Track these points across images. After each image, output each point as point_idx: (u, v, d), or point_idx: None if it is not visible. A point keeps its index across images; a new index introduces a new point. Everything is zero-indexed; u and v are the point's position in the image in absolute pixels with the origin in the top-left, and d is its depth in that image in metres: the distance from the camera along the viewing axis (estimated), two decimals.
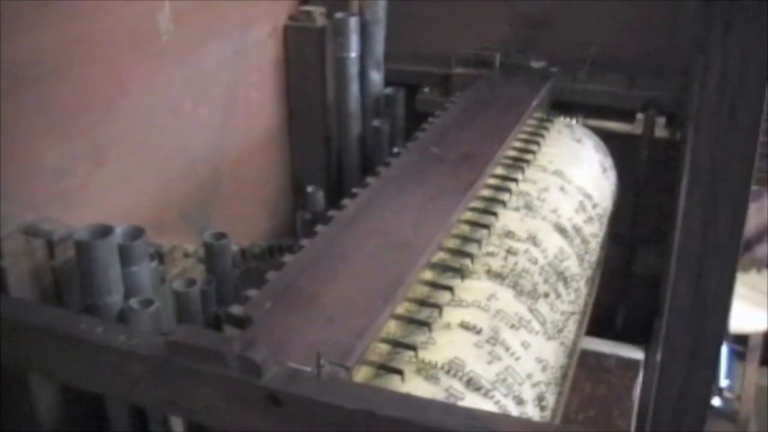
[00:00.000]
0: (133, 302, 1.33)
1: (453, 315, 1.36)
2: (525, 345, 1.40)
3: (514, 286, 1.49)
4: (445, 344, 1.29)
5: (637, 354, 2.54)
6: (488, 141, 1.86)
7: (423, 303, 1.36)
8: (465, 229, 1.59)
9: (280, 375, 1.05)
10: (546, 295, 1.54)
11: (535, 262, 1.59)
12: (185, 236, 1.93)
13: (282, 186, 2.41)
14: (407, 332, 1.30)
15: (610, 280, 2.20)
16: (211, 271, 1.63)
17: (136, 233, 1.38)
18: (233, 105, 2.13)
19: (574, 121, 2.29)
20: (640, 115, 2.34)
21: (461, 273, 1.45)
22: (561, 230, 1.73)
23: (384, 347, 1.26)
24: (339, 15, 2.19)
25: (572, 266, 1.71)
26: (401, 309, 1.32)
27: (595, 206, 1.94)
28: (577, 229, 1.79)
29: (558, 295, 1.59)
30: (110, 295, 1.32)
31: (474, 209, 1.65)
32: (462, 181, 1.66)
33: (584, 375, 2.37)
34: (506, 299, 1.45)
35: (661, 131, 2.36)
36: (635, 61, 2.37)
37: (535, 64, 2.38)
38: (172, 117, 1.93)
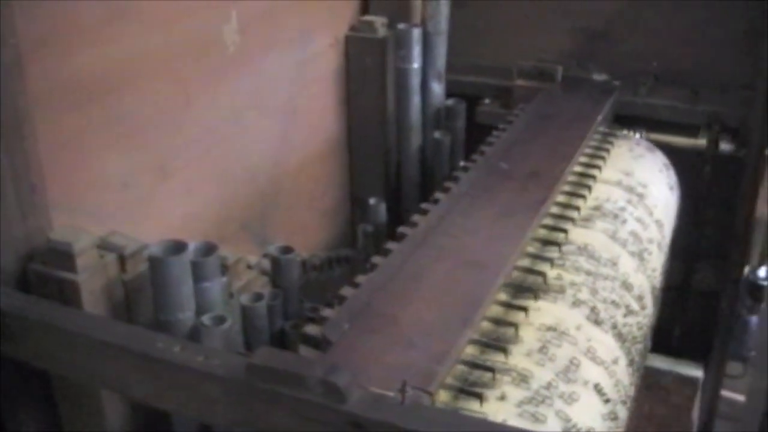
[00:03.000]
0: (206, 319, 1.32)
1: (529, 337, 1.33)
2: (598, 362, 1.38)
3: (566, 295, 1.47)
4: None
5: (695, 371, 2.50)
6: (555, 156, 1.83)
7: (498, 322, 1.34)
8: (537, 246, 1.56)
9: (364, 400, 1.03)
10: (619, 311, 1.51)
11: (607, 278, 1.56)
12: (245, 248, 1.92)
13: (340, 197, 2.39)
14: (484, 354, 1.28)
15: (668, 295, 2.16)
16: (277, 285, 1.62)
17: (209, 249, 1.37)
18: (294, 116, 2.12)
19: (637, 136, 2.26)
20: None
21: (534, 293, 1.43)
22: (631, 250, 1.70)
23: (461, 368, 1.24)
24: (401, 26, 2.17)
25: (642, 284, 1.68)
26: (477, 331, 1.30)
27: (661, 226, 1.90)
28: (647, 249, 1.76)
29: (630, 312, 1.56)
30: (182, 311, 1.31)
31: (545, 226, 1.62)
32: (532, 199, 1.63)
33: (642, 392, 2.33)
34: (579, 320, 1.43)
35: (724, 146, 2.32)
36: (698, 74, 2.33)
37: (597, 77, 2.35)
38: (235, 128, 1.92)
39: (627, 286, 1.61)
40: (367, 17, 2.26)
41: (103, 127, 1.56)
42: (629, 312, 1.56)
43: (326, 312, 1.30)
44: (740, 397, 3.19)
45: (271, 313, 1.55)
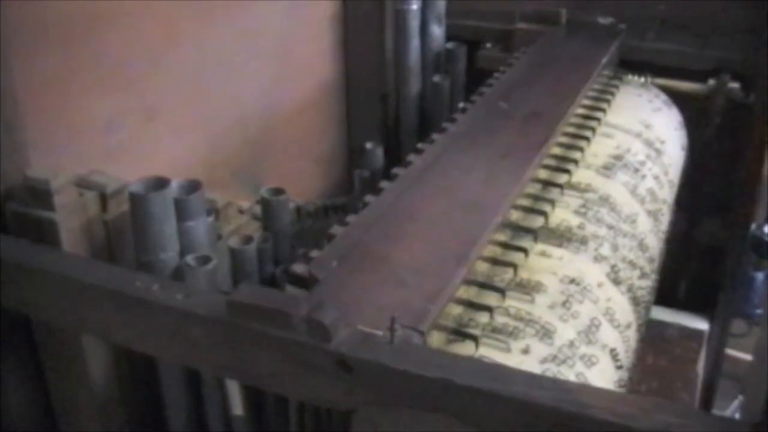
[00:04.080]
0: (190, 259, 1.26)
1: (553, 288, 1.29)
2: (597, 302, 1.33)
3: (588, 247, 1.41)
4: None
5: (700, 324, 2.45)
6: (558, 98, 1.77)
7: (496, 262, 1.28)
8: (537, 188, 1.50)
9: (351, 339, 0.97)
10: (635, 272, 1.45)
11: (626, 235, 1.51)
12: (236, 194, 1.86)
13: (337, 144, 2.33)
14: (480, 295, 1.22)
15: (672, 248, 2.10)
16: (267, 229, 1.56)
17: (193, 186, 1.31)
18: (287, 59, 2.05)
19: (643, 80, 2.19)
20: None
21: (535, 235, 1.37)
22: (648, 209, 1.64)
23: (456, 309, 1.18)
24: None
25: (654, 246, 1.63)
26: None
27: (666, 172, 1.84)
28: (660, 210, 1.70)
29: (643, 275, 1.51)
30: (165, 251, 1.26)
31: (546, 167, 1.56)
32: (532, 139, 1.57)
33: (646, 344, 2.27)
34: (601, 277, 1.38)
35: (732, 94, 2.25)
36: (707, 19, 2.25)
37: (602, 21, 2.27)
38: (224, 71, 1.85)
39: (643, 246, 1.55)
40: None
41: (84, 67, 1.49)
42: (643, 275, 1.51)
43: (314, 253, 1.24)
44: (745, 356, 3.16)
45: (261, 257, 1.49)
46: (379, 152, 1.88)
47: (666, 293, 2.28)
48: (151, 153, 1.69)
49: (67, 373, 1.36)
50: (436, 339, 1.12)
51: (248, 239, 1.48)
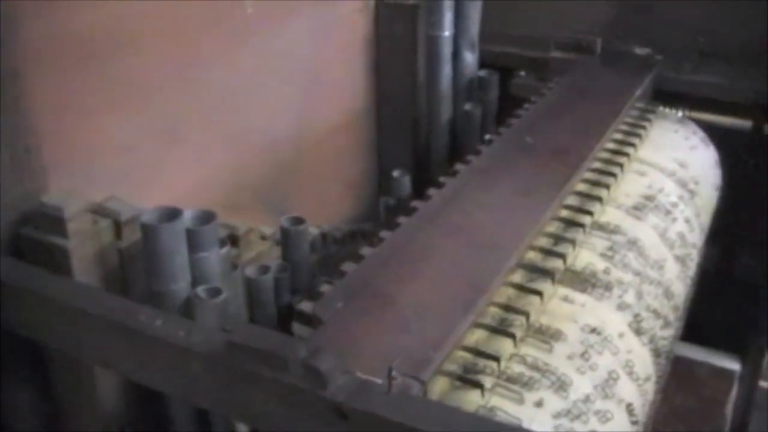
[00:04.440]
0: (200, 291, 1.25)
1: (573, 337, 1.26)
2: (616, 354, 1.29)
3: (613, 294, 1.37)
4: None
5: (732, 364, 2.39)
6: (586, 133, 1.73)
7: (508, 308, 1.25)
8: (558, 227, 1.47)
9: (347, 386, 0.96)
10: (658, 322, 1.42)
11: (652, 282, 1.47)
12: (262, 218, 1.85)
13: (367, 168, 2.31)
14: (490, 341, 1.19)
15: (705, 282, 2.06)
16: (286, 258, 1.55)
17: (207, 217, 1.30)
18: (318, 83, 2.03)
19: (678, 114, 2.14)
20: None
21: (552, 276, 1.34)
22: (677, 254, 1.60)
23: (464, 356, 1.15)
24: None
25: (680, 293, 1.59)
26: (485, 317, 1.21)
27: (698, 214, 1.80)
28: (689, 255, 1.66)
29: (667, 325, 1.47)
30: (176, 281, 1.25)
31: (568, 207, 1.53)
32: (556, 176, 1.54)
33: (674, 383, 2.22)
34: (623, 327, 1.34)
35: None
36: (745, 51, 2.20)
37: (639, 51, 2.23)
38: (253, 94, 1.84)
39: (669, 294, 1.51)
40: None
41: (107, 88, 1.49)
42: (666, 324, 1.47)
43: (323, 288, 1.23)
44: None
45: (277, 287, 1.48)
46: (406, 180, 1.87)
47: (697, 330, 2.23)
48: (174, 176, 1.68)
49: (76, 397, 1.36)
50: (440, 385, 1.09)
51: (265, 269, 1.47)
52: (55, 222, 1.25)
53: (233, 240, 1.58)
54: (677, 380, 2.22)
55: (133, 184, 1.55)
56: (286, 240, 1.54)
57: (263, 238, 1.72)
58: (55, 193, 1.30)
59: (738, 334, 2.38)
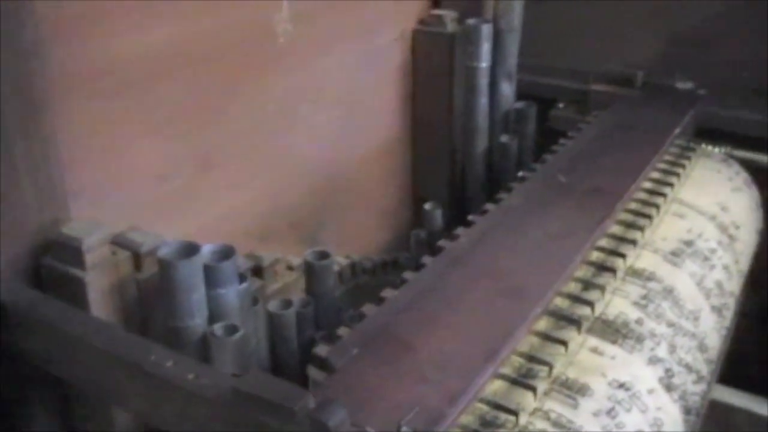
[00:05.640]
0: (217, 328, 1.23)
1: (600, 392, 1.21)
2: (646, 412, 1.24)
3: (644, 346, 1.32)
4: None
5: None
6: (623, 171, 1.68)
7: (532, 359, 1.21)
8: (588, 271, 1.42)
9: None
10: (690, 377, 1.36)
11: (686, 335, 1.42)
12: (293, 247, 1.83)
13: (401, 198, 2.28)
14: (511, 393, 1.15)
15: (746, 326, 1.99)
16: (310, 292, 1.52)
17: (226, 252, 1.28)
18: (353, 111, 2.01)
19: (720, 151, 2.08)
20: None
21: (578, 325, 1.29)
22: (714, 304, 1.54)
23: (482, 408, 1.11)
24: (471, 21, 2.04)
25: (715, 346, 1.53)
26: (507, 367, 1.17)
27: (737, 261, 1.73)
28: (726, 304, 1.60)
29: (700, 380, 1.41)
30: (192, 318, 1.23)
31: (600, 249, 1.48)
32: (588, 218, 1.49)
33: (710, 429, 2.15)
34: (653, 382, 1.29)
35: None
36: None
37: (681, 86, 2.17)
38: (286, 122, 1.83)
39: (702, 347, 1.45)
40: (437, 11, 2.14)
41: (138, 115, 1.48)
42: (699, 379, 1.41)
43: (341, 331, 1.20)
44: None
45: (300, 322, 1.45)
46: (438, 213, 1.84)
47: (736, 374, 2.16)
48: (206, 204, 1.67)
49: (94, 428, 1.34)
50: None
51: (287, 303, 1.44)
52: (74, 253, 1.24)
53: (257, 271, 1.56)
54: (713, 425, 2.14)
55: (166, 212, 1.54)
56: (310, 274, 1.51)
57: (290, 268, 1.70)
58: (76, 223, 1.29)
59: None
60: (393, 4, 2.06)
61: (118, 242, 1.30)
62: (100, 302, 1.25)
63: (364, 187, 2.14)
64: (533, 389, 1.14)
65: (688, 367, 1.37)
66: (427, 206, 1.88)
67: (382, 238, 2.26)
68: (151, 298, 1.31)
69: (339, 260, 1.90)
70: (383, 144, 2.17)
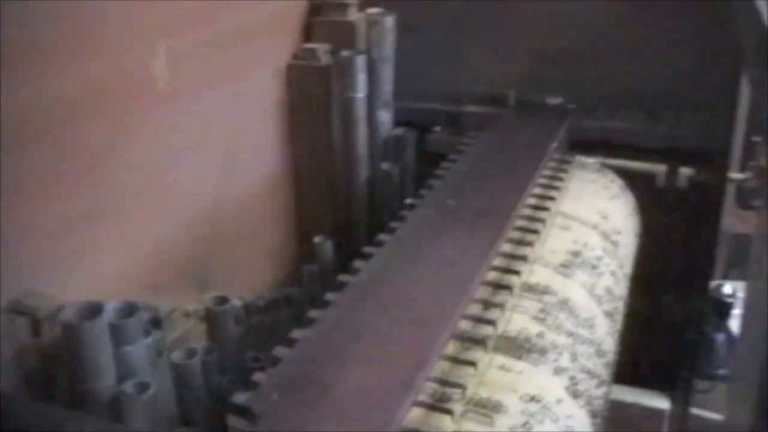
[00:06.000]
0: (127, 387, 1.21)
1: (513, 408, 1.24)
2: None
3: (548, 358, 1.37)
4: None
5: (662, 403, 2.41)
6: (507, 191, 1.73)
7: (444, 383, 1.23)
8: (486, 291, 1.47)
9: None
10: (593, 382, 1.41)
11: (585, 342, 1.47)
12: (185, 293, 1.81)
13: (288, 234, 2.29)
14: (429, 418, 1.17)
15: (632, 325, 2.08)
16: (212, 338, 1.51)
17: (129, 309, 1.26)
18: (235, 152, 2.01)
19: (594, 161, 2.17)
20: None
21: (484, 344, 1.33)
22: (606, 310, 1.61)
23: None
24: (345, 53, 2.07)
25: (611, 349, 1.60)
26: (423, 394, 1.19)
27: (622, 265, 1.81)
28: (617, 308, 1.67)
29: (601, 383, 1.47)
30: (101, 379, 1.20)
31: (495, 268, 1.52)
32: (481, 240, 1.53)
33: (607, 426, 2.23)
34: (560, 392, 1.34)
35: (683, 170, 2.25)
36: (657, 97, 2.25)
37: (552, 101, 2.26)
38: (169, 169, 1.81)
39: (600, 352, 1.51)
40: (309, 45, 2.16)
41: (19, 174, 1.44)
42: (601, 383, 1.46)
43: (257, 376, 1.19)
44: (711, 415, 3.13)
45: (206, 369, 1.44)
46: (328, 245, 1.85)
47: (627, 371, 2.26)
48: (96, 258, 1.64)
49: None
50: None
51: (191, 353, 1.43)
52: None
53: (156, 322, 1.54)
54: (610, 423, 2.22)
55: (56, 270, 1.51)
56: (211, 320, 1.50)
57: (187, 315, 1.69)
58: None
59: (667, 374, 2.41)
60: (266, 42, 2.07)
61: (14, 308, 1.27)
62: (2, 374, 1.22)
63: (250, 227, 2.14)
64: (450, 412, 1.17)
65: (590, 373, 1.43)
66: (317, 240, 1.89)
67: (270, 276, 2.25)
68: (52, 365, 1.27)
69: (233, 302, 1.89)
70: (266, 182, 2.17)
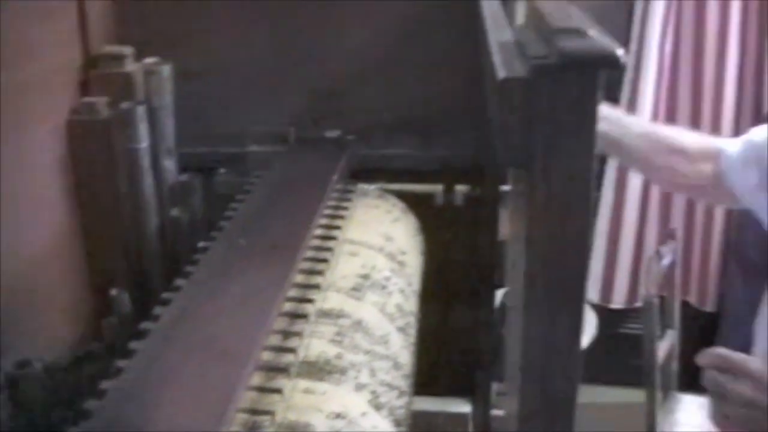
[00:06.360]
0: None
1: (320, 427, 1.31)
2: None
3: (348, 377, 1.46)
4: None
5: (464, 407, 2.56)
6: (294, 224, 1.82)
7: (254, 411, 1.30)
8: (285, 322, 1.54)
9: None
10: (393, 393, 1.51)
11: (382, 358, 1.56)
12: None
13: (82, 289, 2.26)
14: None
15: (427, 337, 2.21)
16: (16, 406, 1.50)
17: None
18: (15, 213, 1.97)
19: (373, 188, 2.30)
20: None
21: (287, 371, 1.40)
22: (399, 326, 1.71)
23: None
24: (124, 105, 2.09)
25: (408, 361, 1.70)
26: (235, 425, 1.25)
27: (410, 283, 1.94)
28: (409, 323, 1.78)
29: (402, 394, 1.57)
30: None
31: (291, 299, 1.60)
32: (274, 274, 1.61)
33: None
34: (364, 406, 1.42)
35: (459, 187, 2.41)
36: (429, 121, 2.41)
37: (330, 134, 2.37)
38: None
39: (398, 366, 1.61)
40: (88, 99, 2.16)
41: None
42: (401, 394, 1.56)
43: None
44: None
45: None
46: (125, 297, 1.87)
47: (429, 382, 2.38)
48: None
49: None
50: None
51: None
52: None
53: None
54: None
55: None
56: (14, 386, 1.49)
57: None
58: None
59: (466, 380, 2.56)
60: (39, 99, 2.04)
61: None
62: None
63: (40, 288, 2.10)
64: None
65: (390, 386, 1.53)
66: (113, 292, 1.91)
67: (68, 334, 2.22)
68: None
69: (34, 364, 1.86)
70: (53, 240, 2.14)
